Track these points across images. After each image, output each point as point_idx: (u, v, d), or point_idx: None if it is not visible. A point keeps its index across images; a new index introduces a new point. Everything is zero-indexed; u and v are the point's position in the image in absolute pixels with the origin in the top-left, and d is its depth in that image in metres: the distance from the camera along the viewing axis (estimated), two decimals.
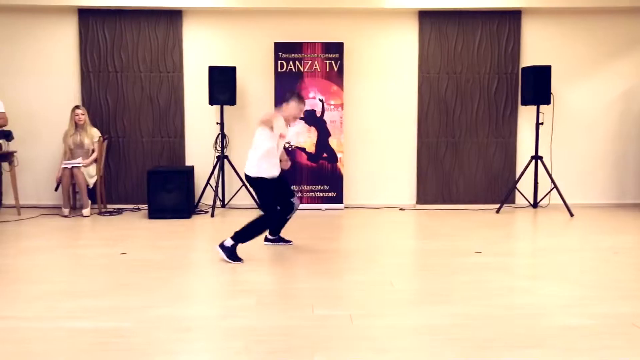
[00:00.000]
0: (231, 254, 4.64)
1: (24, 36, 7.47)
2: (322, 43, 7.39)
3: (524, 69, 7.33)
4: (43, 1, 7.19)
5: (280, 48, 7.38)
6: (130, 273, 4.40)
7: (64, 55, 7.51)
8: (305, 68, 7.40)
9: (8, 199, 7.32)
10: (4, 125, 7.00)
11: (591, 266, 4.65)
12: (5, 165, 7.08)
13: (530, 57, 7.62)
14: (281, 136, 4.78)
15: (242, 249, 4.72)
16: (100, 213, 7.14)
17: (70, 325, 3.28)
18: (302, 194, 7.50)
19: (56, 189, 7.08)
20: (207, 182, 7.32)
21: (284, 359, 2.83)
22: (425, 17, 7.55)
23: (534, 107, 7.49)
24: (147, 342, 3.03)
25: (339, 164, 7.52)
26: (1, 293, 3.88)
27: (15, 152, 7.07)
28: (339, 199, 7.53)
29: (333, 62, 7.40)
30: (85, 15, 7.42)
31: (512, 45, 7.58)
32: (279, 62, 7.39)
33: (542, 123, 7.35)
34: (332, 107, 7.44)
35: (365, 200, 7.76)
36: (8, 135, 6.83)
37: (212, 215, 6.94)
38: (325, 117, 7.45)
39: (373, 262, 4.76)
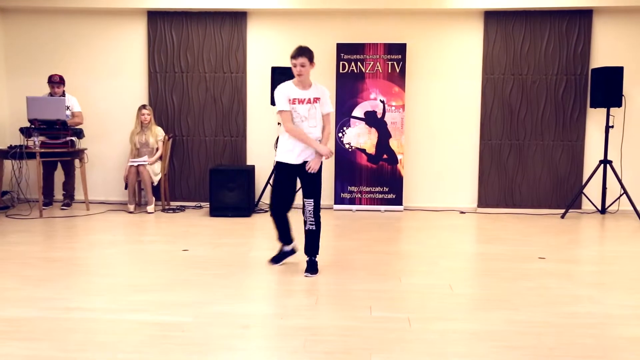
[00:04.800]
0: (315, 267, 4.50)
1: (96, 38, 7.75)
2: (385, 44, 7.36)
3: (594, 70, 7.09)
4: (114, 4, 7.45)
5: (343, 49, 7.39)
6: (191, 269, 4.49)
7: (133, 56, 7.76)
8: (367, 69, 7.38)
9: (78, 195, 7.63)
10: (80, 124, 7.31)
11: None
12: (76, 162, 7.38)
13: (600, 58, 7.36)
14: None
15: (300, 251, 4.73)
16: (163, 210, 7.33)
17: (133, 317, 3.38)
18: (361, 195, 7.49)
19: (125, 188, 7.32)
20: (268, 182, 7.40)
21: None
22: (491, 17, 7.41)
23: (604, 110, 7.24)
24: (206, 337, 3.09)
25: (399, 165, 7.46)
26: (71, 285, 4.04)
27: (85, 149, 7.35)
28: (398, 201, 7.48)
29: (395, 63, 7.36)
30: (154, 17, 7.64)
31: (582, 45, 7.34)
32: (341, 63, 7.40)
33: (612, 126, 7.10)
34: (393, 108, 7.40)
35: (425, 202, 7.68)
36: (79, 133, 7.12)
37: None
38: (386, 119, 7.41)
39: (432, 265, 4.70)
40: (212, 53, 7.67)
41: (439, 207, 7.64)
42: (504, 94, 7.48)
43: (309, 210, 4.40)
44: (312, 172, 4.35)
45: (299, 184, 4.48)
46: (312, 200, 4.40)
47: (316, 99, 4.34)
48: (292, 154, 4.37)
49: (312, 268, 4.41)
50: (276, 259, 4.66)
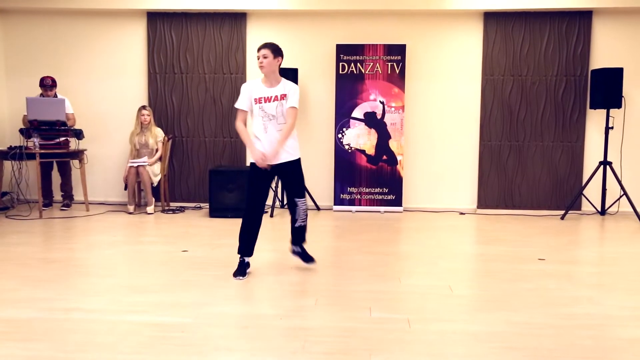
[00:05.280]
0: (309, 254, 4.59)
1: (96, 39, 7.76)
2: (384, 45, 7.36)
3: (593, 71, 7.09)
4: (114, 5, 7.45)
5: (342, 50, 7.39)
6: (190, 270, 4.49)
7: (132, 57, 7.76)
8: (367, 70, 7.38)
9: (78, 195, 7.63)
10: (73, 126, 7.30)
11: None
12: (75, 162, 7.38)
13: (600, 59, 7.37)
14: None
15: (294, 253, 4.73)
16: (163, 211, 7.33)
17: (133, 318, 3.38)
18: (360, 196, 7.49)
19: (125, 189, 7.32)
20: None
21: None
22: (491, 18, 7.41)
23: (604, 111, 7.24)
24: (206, 338, 3.09)
25: (398, 166, 7.46)
26: (70, 285, 4.04)
27: (85, 150, 7.35)
28: (398, 202, 7.48)
29: (395, 64, 7.36)
30: (153, 18, 7.64)
31: (582, 46, 7.35)
32: (341, 64, 7.40)
33: (612, 127, 7.10)
34: (392, 109, 7.40)
35: (425, 203, 7.68)
36: (79, 134, 7.11)
37: (272, 216, 7.01)
38: (385, 120, 7.41)
39: (432, 266, 4.70)
40: (212, 54, 7.67)
41: (439, 208, 7.64)
42: (503, 95, 7.49)
43: (303, 210, 4.42)
44: (264, 168, 4.24)
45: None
46: (303, 199, 4.43)
47: (283, 96, 4.24)
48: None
49: (307, 256, 4.52)
50: (242, 273, 4.32)
